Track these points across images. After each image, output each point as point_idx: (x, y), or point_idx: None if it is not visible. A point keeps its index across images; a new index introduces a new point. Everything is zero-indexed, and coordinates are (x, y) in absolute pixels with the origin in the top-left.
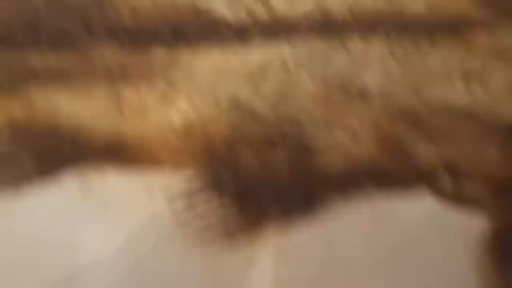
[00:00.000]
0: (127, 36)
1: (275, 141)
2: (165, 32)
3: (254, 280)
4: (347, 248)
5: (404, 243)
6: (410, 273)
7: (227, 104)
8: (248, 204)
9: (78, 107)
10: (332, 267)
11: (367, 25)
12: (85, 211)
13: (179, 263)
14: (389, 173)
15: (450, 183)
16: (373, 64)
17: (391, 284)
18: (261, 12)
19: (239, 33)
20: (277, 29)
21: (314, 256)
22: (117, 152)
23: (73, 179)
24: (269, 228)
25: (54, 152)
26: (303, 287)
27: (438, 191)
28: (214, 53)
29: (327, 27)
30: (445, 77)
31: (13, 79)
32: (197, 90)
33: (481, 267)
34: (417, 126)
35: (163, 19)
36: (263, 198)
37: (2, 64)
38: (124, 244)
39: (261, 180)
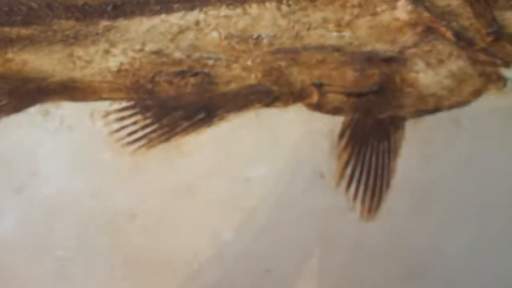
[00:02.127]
0: (79, 12)
1: (187, 77)
2: (107, 7)
3: (168, 171)
4: (238, 143)
5: (278, 138)
6: (282, 159)
7: (152, 54)
8: (165, 121)
9: (42, 62)
10: (225, 158)
11: None
12: (44, 131)
13: (111, 163)
14: (271, 93)
15: (318, 97)
16: (266, 21)
17: (268, 167)
18: None
19: (164, 5)
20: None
21: (212, 150)
22: (70, 91)
23: (37, 111)
24: (181, 135)
25: (24, 93)
26: (205, 171)
27: (309, 104)
28: (144, 21)
29: None
30: (322, 26)
31: None
32: (130, 46)
33: (336, 151)
34: (295, 61)
35: None
36: (177, 116)
37: None
38: (71, 154)
39: (175, 104)
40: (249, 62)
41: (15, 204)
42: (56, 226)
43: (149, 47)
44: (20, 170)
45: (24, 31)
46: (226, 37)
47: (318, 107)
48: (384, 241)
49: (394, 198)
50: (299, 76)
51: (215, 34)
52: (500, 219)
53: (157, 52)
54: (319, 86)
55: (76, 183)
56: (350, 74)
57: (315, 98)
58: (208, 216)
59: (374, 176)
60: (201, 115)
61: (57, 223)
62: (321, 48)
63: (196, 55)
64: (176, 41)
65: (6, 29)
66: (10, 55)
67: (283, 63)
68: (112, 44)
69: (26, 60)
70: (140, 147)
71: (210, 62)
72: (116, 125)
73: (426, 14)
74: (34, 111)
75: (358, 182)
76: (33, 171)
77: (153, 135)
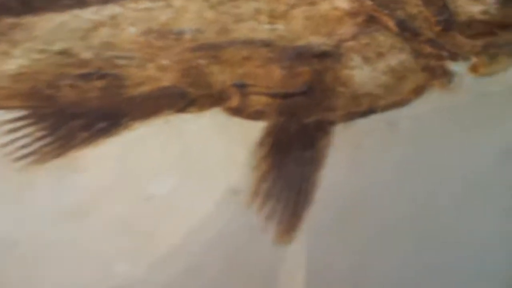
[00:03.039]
0: None
1: (93, 79)
2: (14, 4)
3: (61, 192)
4: (142, 155)
5: (189, 149)
6: (192, 174)
7: (57, 55)
8: (62, 131)
9: None
10: (126, 173)
11: None
12: None
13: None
14: (186, 96)
15: (238, 100)
16: (191, 13)
17: (175, 181)
18: None
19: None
20: None
21: (112, 165)
22: None
23: None
24: (78, 148)
25: None
26: (102, 189)
27: (229, 108)
28: (54, 17)
29: None
30: (253, 19)
31: None
32: (34, 46)
33: (253, 162)
34: (217, 58)
35: None
36: (75, 125)
37: None
38: None
39: (76, 112)
40: (165, 61)
41: None
42: None
43: (56, 47)
44: None
45: None
46: (144, 33)
47: (238, 111)
48: (303, 266)
49: (316, 215)
50: (220, 76)
51: (132, 30)
52: (440, 235)
53: (63, 52)
54: (241, 86)
55: None
56: (277, 73)
57: (235, 100)
58: (101, 243)
59: (295, 191)
60: (102, 124)
61: None
62: (248, 43)
63: (107, 54)
64: (87, 39)
65: None
66: None
67: (203, 61)
68: (14, 45)
69: None
70: (30, 163)
71: (122, 62)
72: (7, 138)
73: (368, 2)
74: None
75: (277, 198)
76: None
77: (47, 148)
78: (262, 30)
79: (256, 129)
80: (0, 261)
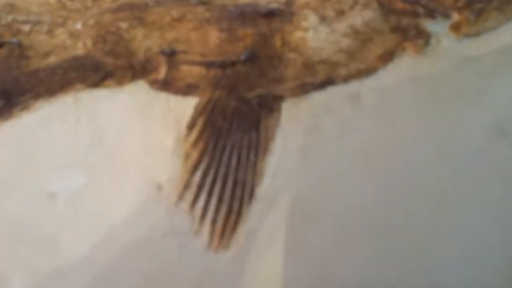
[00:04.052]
0: None
1: None
2: None
3: None
4: (44, 142)
5: (101, 133)
6: (104, 164)
7: None
8: None
9: None
10: (24, 165)
11: None
12: None
13: None
14: (101, 67)
15: (166, 71)
16: None
17: (82, 176)
18: None
19: None
20: None
21: (6, 155)
22: None
23: None
24: None
25: None
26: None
27: (154, 81)
28: None
29: None
30: None
31: None
32: None
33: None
34: (140, 20)
35: None
36: None
37: None
38: None
39: None
40: (78, 26)
41: None
42: None
43: None
44: None
45: None
46: None
47: (165, 85)
48: (242, 279)
49: (259, 214)
50: (144, 42)
51: None
52: (415, 239)
53: None
54: (170, 54)
55: None
56: (213, 37)
57: (162, 72)
58: None
59: (233, 184)
60: None
61: None
62: (181, 0)
63: (8, 18)
64: None
65: None
66: None
67: (123, 25)
68: None
69: None
70: None
71: (26, 27)
72: None
73: None
74: None
75: (210, 193)
76: None
77: None
78: None
79: (186, 107)
80: None
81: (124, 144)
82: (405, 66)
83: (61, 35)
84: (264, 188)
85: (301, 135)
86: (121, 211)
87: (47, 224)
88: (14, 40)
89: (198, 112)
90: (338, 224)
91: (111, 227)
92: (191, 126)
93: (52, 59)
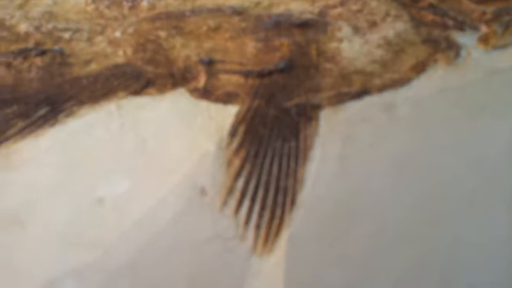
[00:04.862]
0: None
1: (32, 56)
2: None
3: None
4: (90, 148)
5: (146, 140)
6: (150, 170)
7: None
8: None
9: None
10: (70, 170)
11: None
12: None
13: None
14: (143, 75)
15: (206, 80)
16: None
17: (128, 182)
18: None
19: None
20: None
21: (54, 160)
22: None
23: None
24: (13, 140)
25: None
26: (42, 190)
27: (194, 89)
28: None
29: None
30: None
31: None
32: None
33: (223, 156)
34: (179, 29)
35: None
36: (11, 113)
37: None
38: None
39: (11, 96)
40: (117, 34)
41: None
42: None
43: None
44: None
45: None
46: (94, 0)
47: (205, 93)
48: (285, 283)
49: (301, 220)
50: (183, 51)
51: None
52: (445, 240)
53: None
54: (208, 63)
55: None
56: (250, 46)
57: (202, 80)
58: (44, 256)
59: (275, 190)
60: (43, 111)
61: None
62: (216, 11)
63: (49, 26)
64: (25, 8)
65: None
66: None
67: (162, 34)
68: None
69: None
70: None
71: (66, 35)
72: None
73: None
74: None
75: (253, 199)
76: None
77: None
78: None
79: (227, 115)
80: None
81: (167, 150)
82: (437, 77)
83: (100, 43)
84: (305, 194)
85: (338, 143)
86: (166, 216)
87: (95, 228)
88: (56, 47)
89: (239, 120)
90: (374, 228)
91: (156, 231)
92: (232, 134)
93: (93, 67)
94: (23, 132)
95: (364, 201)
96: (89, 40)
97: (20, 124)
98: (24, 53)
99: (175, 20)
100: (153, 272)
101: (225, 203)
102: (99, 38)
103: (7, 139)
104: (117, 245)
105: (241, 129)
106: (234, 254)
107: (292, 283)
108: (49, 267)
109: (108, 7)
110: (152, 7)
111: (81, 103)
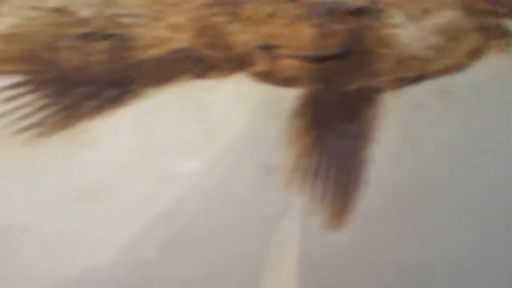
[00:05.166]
0: None
1: (95, 40)
2: None
3: (67, 169)
4: (161, 128)
5: (214, 121)
6: (219, 149)
7: (52, 13)
8: (66, 100)
9: None
10: (146, 147)
11: None
12: None
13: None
14: (204, 59)
15: (266, 64)
16: None
17: (200, 162)
18: None
19: None
20: None
21: (125, 139)
22: None
23: None
24: (86, 119)
25: None
26: (116, 167)
27: (255, 73)
28: None
29: None
30: None
31: None
32: (26, 3)
33: (289, 136)
34: (236, 15)
35: None
36: (80, 93)
37: None
38: None
39: (79, 78)
40: (176, 19)
41: None
42: None
43: (51, 3)
44: None
45: None
46: None
47: (266, 77)
48: (356, 257)
49: (365, 198)
50: (241, 36)
51: None
52: (506, 224)
53: (60, 10)
54: (267, 48)
55: None
56: (306, 33)
57: (261, 65)
58: (119, 228)
59: (339, 170)
60: (111, 92)
61: None
62: None
63: (109, 11)
64: None
65: None
66: None
67: (220, 19)
68: (2, 1)
69: None
70: (33, 136)
71: (127, 20)
72: (4, 107)
73: None
74: None
75: (319, 178)
76: None
77: (50, 119)
78: None
79: (286, 98)
80: (10, 247)
81: (233, 131)
82: (491, 64)
83: (160, 28)
84: (369, 174)
85: (398, 127)
86: (235, 194)
87: (170, 204)
88: (118, 32)
89: (301, 104)
90: (437, 208)
91: (226, 208)
92: (296, 116)
93: (155, 51)
94: (93, 112)
95: (426, 181)
96: (149, 25)
97: (90, 104)
98: (88, 37)
99: (231, 7)
100: (228, 245)
101: (291, 181)
102: (158, 24)
103: (78, 118)
104: (188, 219)
105: (304, 111)
106: (306, 228)
107: (360, 259)
108: (131, 239)
109: None
110: None
111: (146, 85)
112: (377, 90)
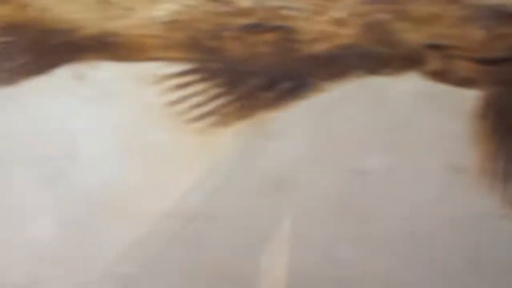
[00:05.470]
0: None
1: (261, 32)
2: None
3: (250, 159)
4: (342, 123)
5: (396, 118)
6: (404, 146)
7: (212, 1)
8: (240, 90)
9: (68, 8)
10: (329, 141)
11: None
12: (80, 100)
13: (171, 144)
14: (376, 56)
15: (438, 64)
16: None
17: (388, 157)
18: None
19: None
20: None
21: (308, 131)
22: (109, 48)
23: (68, 73)
24: (263, 110)
25: (49, 50)
26: (302, 158)
27: (428, 72)
28: None
29: None
30: None
31: None
32: None
33: (474, 137)
34: (401, 14)
35: None
36: (254, 84)
37: None
38: (116, 131)
39: (250, 68)
40: (338, 14)
41: (49, 199)
42: (106, 229)
43: None
44: (53, 153)
45: None
46: None
47: (440, 76)
48: None
49: None
50: (409, 35)
51: None
52: None
53: None
54: (437, 48)
55: (125, 171)
56: (476, 34)
57: (433, 64)
58: (316, 221)
59: None
60: (287, 84)
61: (106, 225)
62: None
63: (268, 3)
64: None
65: None
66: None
67: (386, 16)
68: None
69: (46, 4)
70: (211, 124)
71: (288, 12)
72: (175, 95)
73: None
74: (64, 74)
75: (507, 181)
76: (69, 153)
77: (227, 109)
78: None
79: (465, 98)
80: (196, 237)
81: (416, 129)
82: None
83: (323, 22)
84: None
85: None
86: (424, 192)
87: (362, 199)
88: (285, 24)
89: (484, 104)
90: None
91: (416, 206)
92: (478, 117)
93: (322, 45)
94: (272, 104)
95: None
96: (311, 18)
97: (267, 95)
98: (254, 28)
99: (394, 5)
100: (423, 241)
101: (480, 183)
102: (320, 18)
103: (257, 108)
104: (383, 216)
105: (487, 113)
106: (497, 233)
107: None
108: (325, 232)
109: None
110: None
111: (322, 79)
112: None
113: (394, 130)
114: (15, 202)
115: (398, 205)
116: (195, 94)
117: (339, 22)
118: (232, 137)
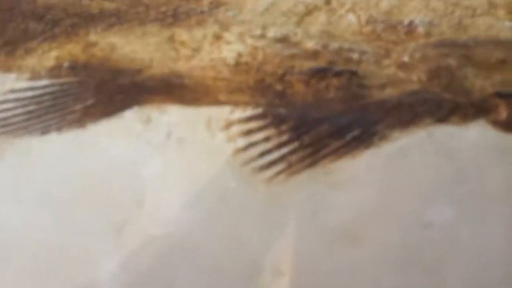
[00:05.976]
0: None
1: (329, 76)
2: None
3: (320, 211)
4: (407, 174)
5: (464, 169)
6: (472, 200)
7: (278, 43)
8: (307, 137)
9: (135, 48)
10: (394, 192)
11: None
12: (147, 145)
13: (240, 194)
14: (443, 103)
15: (507, 113)
16: (416, 2)
17: (454, 209)
18: None
19: None
20: None
21: (375, 181)
22: (176, 90)
23: (136, 116)
24: (331, 158)
25: (116, 91)
26: (369, 210)
27: (495, 120)
28: None
29: None
30: (489, 13)
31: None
32: (248, 31)
33: None
34: (468, 59)
35: None
36: (322, 131)
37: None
38: (185, 178)
39: (318, 115)
40: (404, 58)
41: (115, 246)
42: (177, 280)
43: (271, 33)
44: (119, 199)
45: (108, 5)
46: (368, 22)
47: (507, 126)
48: None
49: None
50: (477, 81)
51: (352, 18)
52: None
53: (283, 40)
54: (505, 96)
55: (195, 219)
56: None
57: (503, 113)
58: (382, 276)
59: None
60: (354, 132)
61: (177, 275)
62: (498, 42)
63: (335, 45)
64: (303, 25)
65: (85, 1)
66: (92, 37)
67: (452, 61)
68: (224, 27)
69: (114, 44)
70: (278, 173)
71: (354, 56)
72: (243, 141)
73: None
74: (131, 117)
75: None
76: (137, 200)
77: (294, 157)
78: (502, 28)
79: None
80: None
81: (483, 180)
82: None
83: (389, 66)
84: None
85: None
86: (497, 244)
87: (427, 252)
88: (352, 68)
89: None
90: None
91: (488, 260)
92: None
93: (390, 91)
94: (339, 152)
95: None
96: (377, 63)
97: (335, 143)
98: (321, 72)
99: (461, 49)
100: None
101: None
102: (386, 62)
103: (324, 157)
104: (452, 271)
105: None
106: None
107: None
108: (387, 281)
109: (384, 30)
110: (428, 33)
111: (392, 127)
112: None
113: (462, 181)
114: (81, 243)
115: (464, 258)
116: (262, 140)
117: (404, 66)
118: (299, 186)
